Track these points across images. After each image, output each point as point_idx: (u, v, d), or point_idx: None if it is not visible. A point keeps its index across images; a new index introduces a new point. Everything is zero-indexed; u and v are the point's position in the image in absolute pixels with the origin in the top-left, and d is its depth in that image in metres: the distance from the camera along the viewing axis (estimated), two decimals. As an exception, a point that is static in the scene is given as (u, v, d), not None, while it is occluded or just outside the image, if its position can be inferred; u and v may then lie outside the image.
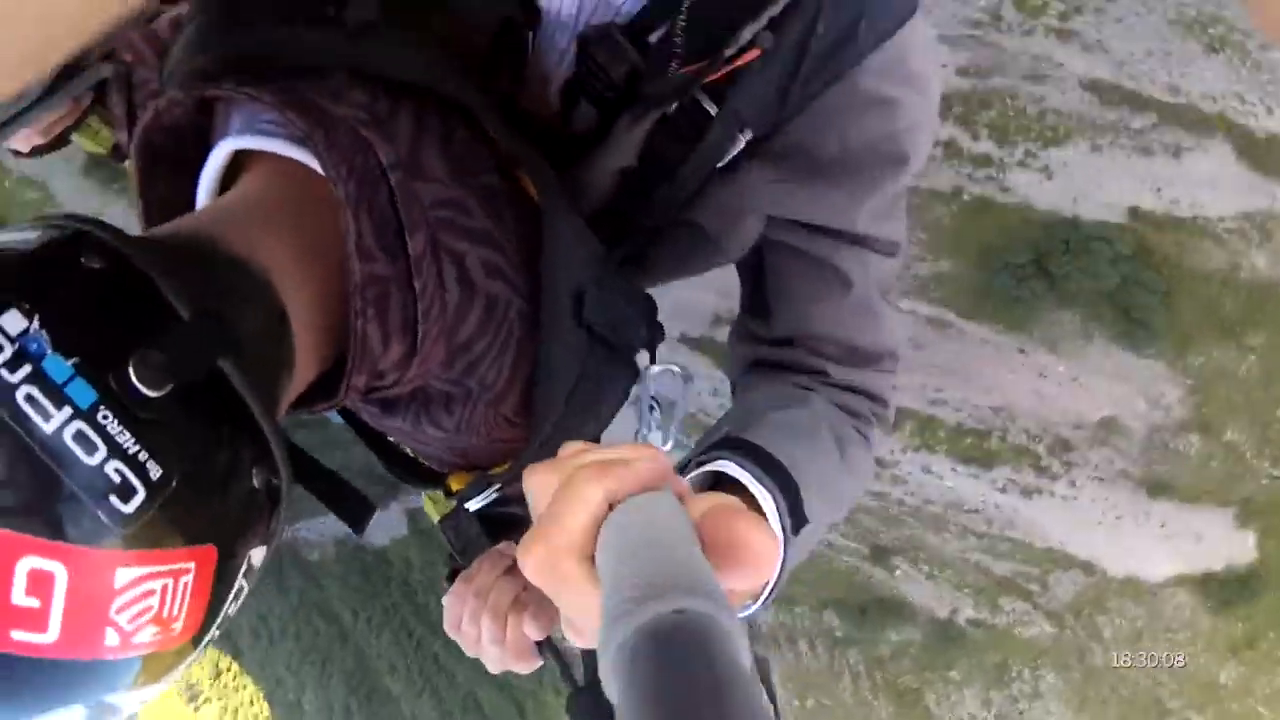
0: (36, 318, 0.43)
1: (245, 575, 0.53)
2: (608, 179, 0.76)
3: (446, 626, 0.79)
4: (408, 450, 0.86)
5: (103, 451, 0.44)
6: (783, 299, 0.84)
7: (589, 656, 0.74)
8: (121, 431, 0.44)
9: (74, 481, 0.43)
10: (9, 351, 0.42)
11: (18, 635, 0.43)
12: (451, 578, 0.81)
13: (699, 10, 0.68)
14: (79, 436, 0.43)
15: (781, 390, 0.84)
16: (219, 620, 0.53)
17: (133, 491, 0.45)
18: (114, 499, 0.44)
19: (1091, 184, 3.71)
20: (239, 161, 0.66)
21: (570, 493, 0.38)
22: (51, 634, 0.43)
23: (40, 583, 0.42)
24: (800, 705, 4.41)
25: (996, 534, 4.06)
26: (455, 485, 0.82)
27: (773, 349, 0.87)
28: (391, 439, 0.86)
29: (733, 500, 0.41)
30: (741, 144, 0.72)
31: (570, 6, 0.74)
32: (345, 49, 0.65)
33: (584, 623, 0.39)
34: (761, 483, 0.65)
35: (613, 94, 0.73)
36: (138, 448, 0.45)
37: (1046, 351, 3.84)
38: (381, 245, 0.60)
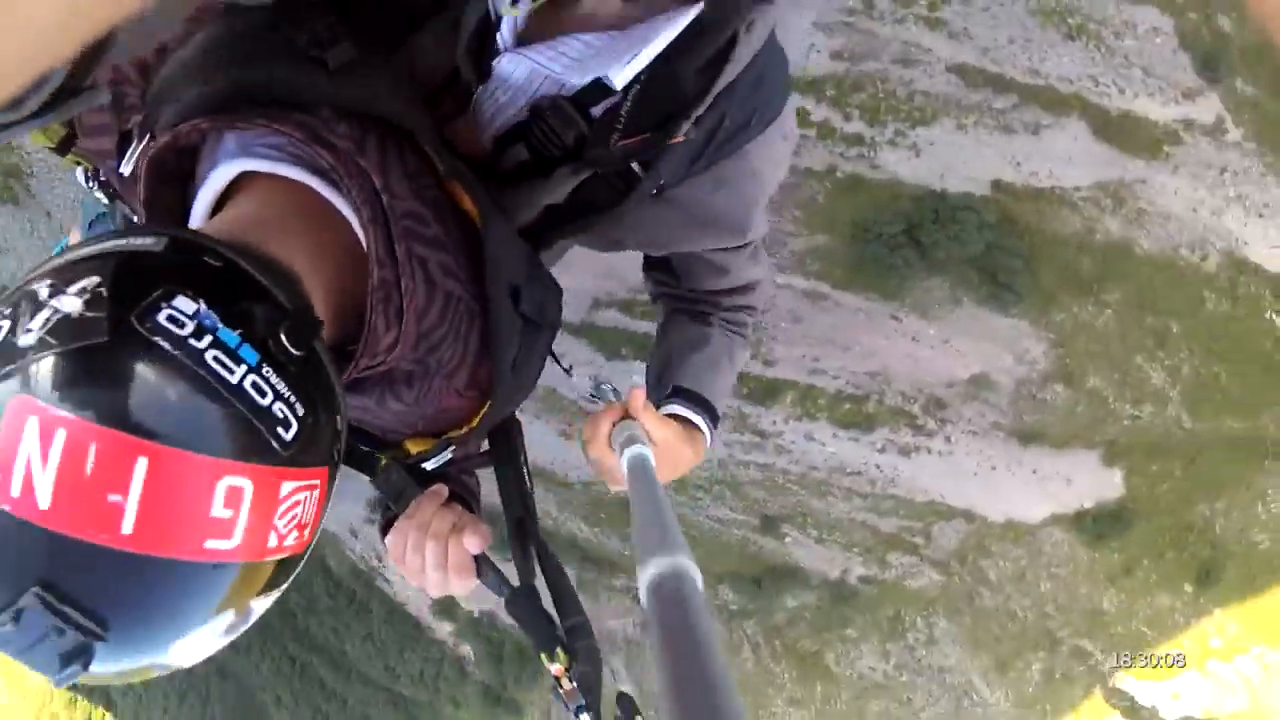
0: (201, 301, 0.58)
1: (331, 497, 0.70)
2: (536, 210, 1.00)
3: (392, 559, 0.95)
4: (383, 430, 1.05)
5: (270, 395, 0.59)
6: (685, 275, 1.23)
7: (522, 565, 0.97)
8: (279, 381, 0.60)
9: (255, 417, 0.58)
10: (191, 326, 0.57)
11: (210, 544, 0.57)
12: (385, 529, 0.99)
13: (642, 101, 0.88)
14: (254, 385, 0.59)
15: (694, 331, 1.26)
16: (319, 532, 0.70)
17: (289, 424, 0.61)
18: (280, 429, 0.60)
19: (957, 160, 3.91)
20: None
21: (597, 418, 0.94)
22: (234, 540, 0.58)
23: (233, 497, 0.57)
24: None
25: (880, 493, 4.26)
26: (413, 449, 0.99)
27: (681, 296, 1.29)
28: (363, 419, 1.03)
29: (669, 432, 1.00)
30: (653, 191, 0.98)
31: (523, 76, 0.91)
32: (327, 87, 0.80)
33: (608, 471, 0.95)
34: (698, 414, 1.14)
35: (560, 152, 0.93)
36: (289, 393, 0.61)
37: (918, 317, 3.99)
38: (382, 253, 0.76)
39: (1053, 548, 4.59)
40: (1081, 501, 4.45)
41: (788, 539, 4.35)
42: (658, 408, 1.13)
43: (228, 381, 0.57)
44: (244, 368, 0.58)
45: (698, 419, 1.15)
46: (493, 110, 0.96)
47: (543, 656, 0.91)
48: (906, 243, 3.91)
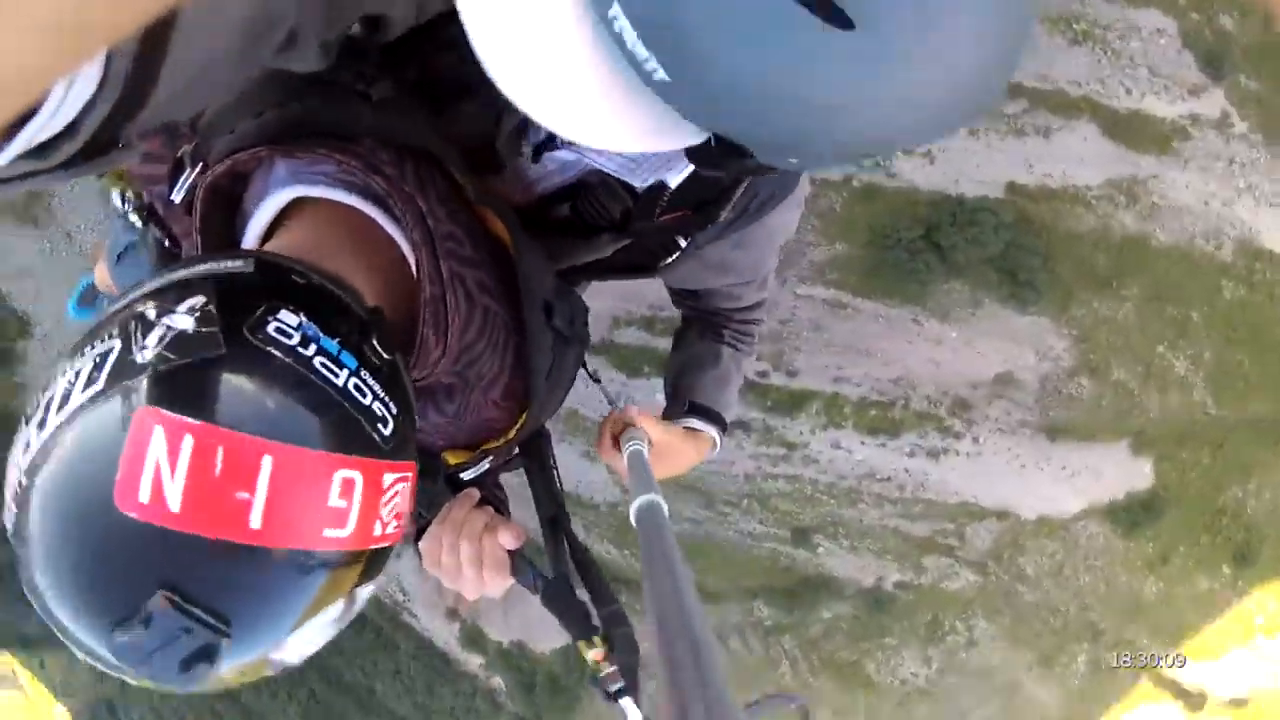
0: (301, 314, 0.65)
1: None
2: (576, 261, 1.13)
3: (426, 565, 1.00)
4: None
5: (370, 395, 0.66)
6: (704, 298, 1.39)
7: (555, 560, 1.04)
8: (375, 383, 0.67)
9: (360, 415, 0.65)
10: (297, 337, 0.64)
11: (328, 533, 0.63)
12: (417, 537, 1.03)
13: (687, 185, 1.02)
14: (356, 387, 0.65)
15: (707, 347, 1.41)
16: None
17: (387, 421, 0.68)
18: (380, 425, 0.67)
19: (971, 165, 3.99)
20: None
21: (605, 426, 1.10)
22: (349, 528, 0.64)
23: (347, 488, 0.63)
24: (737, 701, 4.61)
25: (910, 498, 4.33)
26: (452, 460, 1.06)
27: (698, 308, 1.44)
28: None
29: (669, 435, 1.17)
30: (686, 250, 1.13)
31: (573, 156, 1.03)
32: (371, 119, 0.87)
33: (611, 444, 1.07)
34: (711, 426, 1.31)
35: (605, 223, 1.07)
36: (384, 393, 0.68)
37: (940, 320, 4.06)
38: (431, 272, 0.83)
39: (1088, 540, 4.65)
40: (1113, 493, 4.51)
41: (820, 549, 4.42)
42: (676, 420, 1.34)
43: (335, 384, 0.64)
44: (346, 371, 0.65)
45: (711, 430, 1.34)
46: (539, 175, 1.07)
47: (580, 645, 0.97)
48: (925, 247, 4.00)
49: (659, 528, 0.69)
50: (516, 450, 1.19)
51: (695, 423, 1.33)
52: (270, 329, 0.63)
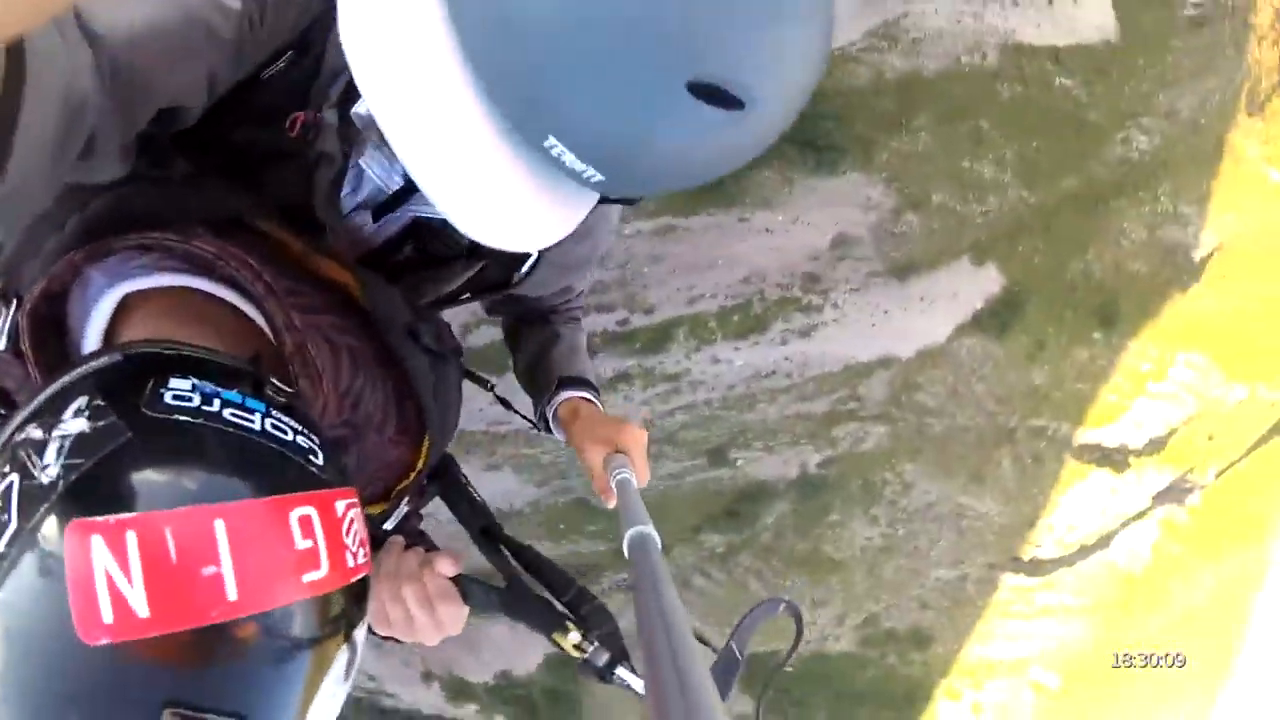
0: (190, 378, 0.63)
1: None
2: (437, 295, 1.17)
3: (377, 626, 0.96)
4: None
5: (290, 431, 0.65)
6: (529, 301, 1.45)
7: (501, 569, 1.06)
8: (290, 420, 0.66)
9: (289, 451, 0.64)
10: (197, 398, 0.62)
11: (307, 578, 0.60)
12: None
13: None
14: (274, 426, 0.64)
15: (544, 333, 1.51)
16: None
17: (316, 451, 0.67)
18: (311, 457, 0.66)
19: None
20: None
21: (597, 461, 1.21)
22: (324, 567, 0.61)
23: (306, 526, 0.61)
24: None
25: (799, 381, 4.52)
26: (371, 512, 1.04)
27: (520, 313, 1.55)
28: None
29: (630, 450, 1.22)
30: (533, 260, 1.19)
31: (401, 211, 1.07)
32: (174, 199, 0.86)
33: (606, 484, 1.15)
34: (588, 391, 1.40)
35: (456, 253, 1.11)
36: (301, 425, 0.67)
37: (764, 210, 4.21)
38: (283, 325, 0.81)
39: (968, 355, 4.99)
40: (973, 305, 4.84)
41: (739, 462, 4.58)
42: (551, 403, 1.42)
43: (253, 429, 0.63)
44: (258, 414, 0.64)
45: (585, 393, 1.42)
46: (372, 228, 1.07)
47: (556, 637, 0.97)
48: None
49: (651, 559, 0.74)
50: (426, 482, 1.17)
51: (576, 392, 1.41)
52: (168, 399, 0.61)
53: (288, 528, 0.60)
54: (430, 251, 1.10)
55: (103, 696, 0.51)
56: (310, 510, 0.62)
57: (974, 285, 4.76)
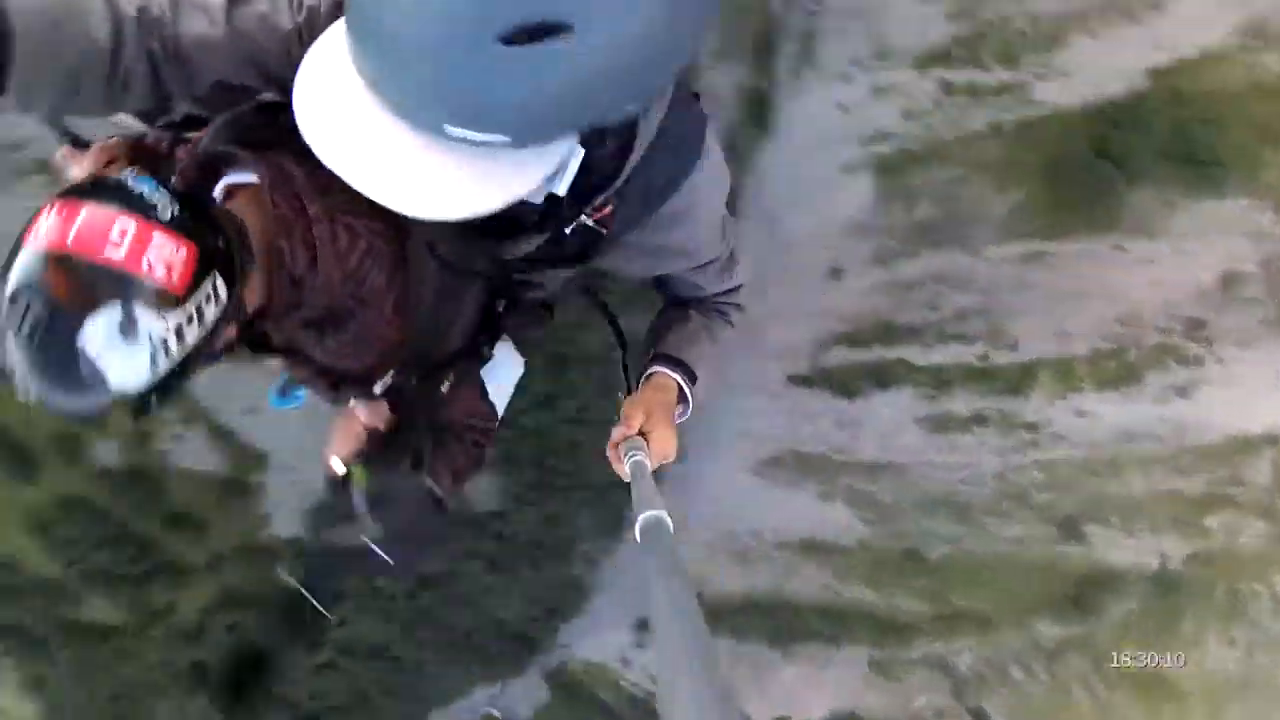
0: (156, 181, 1.24)
1: (210, 299, 1.17)
2: (511, 256, 1.45)
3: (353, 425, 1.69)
4: (343, 368, 1.54)
5: (156, 196, 1.18)
6: (671, 285, 1.71)
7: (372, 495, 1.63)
8: (168, 197, 1.19)
9: (137, 200, 1.16)
10: (146, 187, 1.20)
11: (108, 252, 1.07)
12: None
13: (576, 190, 1.24)
14: (147, 194, 1.18)
15: (675, 314, 1.74)
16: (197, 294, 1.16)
17: (168, 209, 1.17)
18: (159, 209, 1.17)
19: (1104, 65, 3.82)
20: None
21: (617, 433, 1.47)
22: (121, 251, 1.08)
23: (122, 231, 1.11)
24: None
25: (1174, 450, 3.81)
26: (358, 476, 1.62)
27: (672, 297, 1.78)
28: (324, 361, 1.51)
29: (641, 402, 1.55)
30: (614, 241, 1.42)
31: None
32: (276, 136, 1.35)
33: (617, 456, 1.42)
34: (675, 370, 1.62)
35: (523, 227, 1.37)
36: (171, 200, 1.19)
37: (1143, 237, 3.73)
38: (293, 209, 1.34)
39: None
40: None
41: (1092, 540, 3.85)
42: (646, 370, 1.63)
43: (133, 194, 1.15)
44: (148, 188, 1.16)
45: (675, 374, 1.60)
46: None
47: (355, 470, 1.57)
48: (1099, 160, 3.78)
49: (664, 543, 0.86)
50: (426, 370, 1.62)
51: (660, 367, 1.61)
52: (128, 180, 1.19)
53: (112, 223, 1.12)
54: (499, 221, 1.22)
55: None
56: (130, 224, 1.11)
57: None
